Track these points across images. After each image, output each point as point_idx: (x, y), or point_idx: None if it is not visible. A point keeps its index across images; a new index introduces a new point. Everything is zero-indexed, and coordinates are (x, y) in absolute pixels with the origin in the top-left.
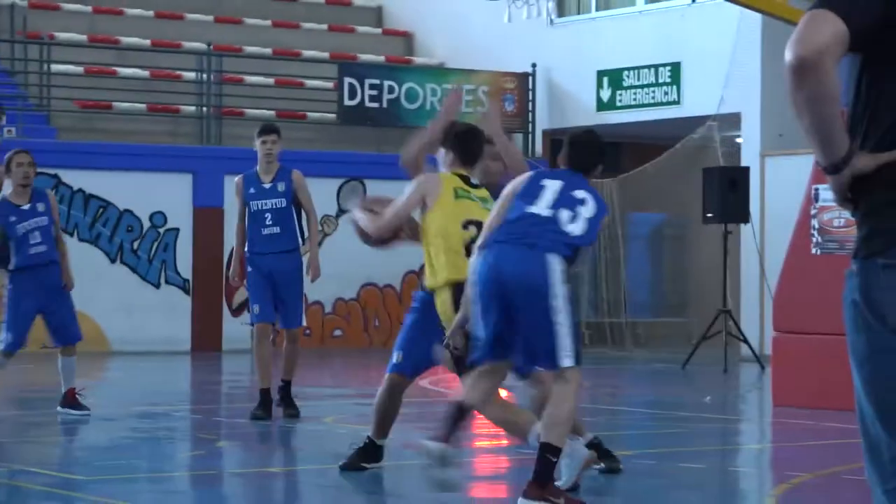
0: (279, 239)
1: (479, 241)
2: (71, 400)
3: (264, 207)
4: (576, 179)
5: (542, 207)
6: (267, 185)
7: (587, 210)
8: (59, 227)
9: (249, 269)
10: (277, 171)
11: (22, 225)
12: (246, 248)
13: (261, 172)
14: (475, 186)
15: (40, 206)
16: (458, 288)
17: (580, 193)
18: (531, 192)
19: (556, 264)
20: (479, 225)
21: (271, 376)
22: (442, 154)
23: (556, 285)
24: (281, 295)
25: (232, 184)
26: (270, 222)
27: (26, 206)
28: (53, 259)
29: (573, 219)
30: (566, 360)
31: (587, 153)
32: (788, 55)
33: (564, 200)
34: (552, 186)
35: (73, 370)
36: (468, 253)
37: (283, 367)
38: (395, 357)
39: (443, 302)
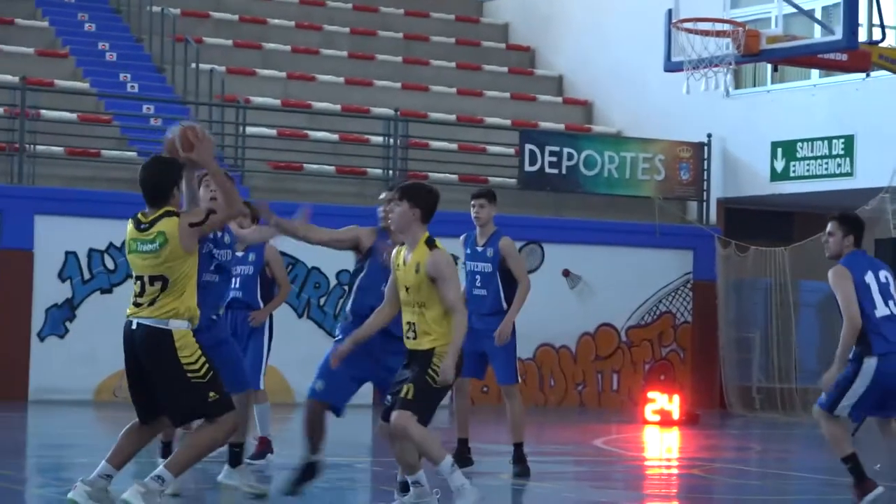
0: (484, 301)
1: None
2: None
3: (475, 269)
4: None
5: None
6: (479, 248)
7: None
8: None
9: None
10: (490, 235)
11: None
12: None
13: (477, 235)
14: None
15: (251, 256)
16: None
17: None
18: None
19: None
20: None
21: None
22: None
23: None
24: (490, 353)
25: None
26: (479, 284)
27: (240, 253)
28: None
29: None
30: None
31: None
32: None
33: None
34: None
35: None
36: None
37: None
38: (317, 384)
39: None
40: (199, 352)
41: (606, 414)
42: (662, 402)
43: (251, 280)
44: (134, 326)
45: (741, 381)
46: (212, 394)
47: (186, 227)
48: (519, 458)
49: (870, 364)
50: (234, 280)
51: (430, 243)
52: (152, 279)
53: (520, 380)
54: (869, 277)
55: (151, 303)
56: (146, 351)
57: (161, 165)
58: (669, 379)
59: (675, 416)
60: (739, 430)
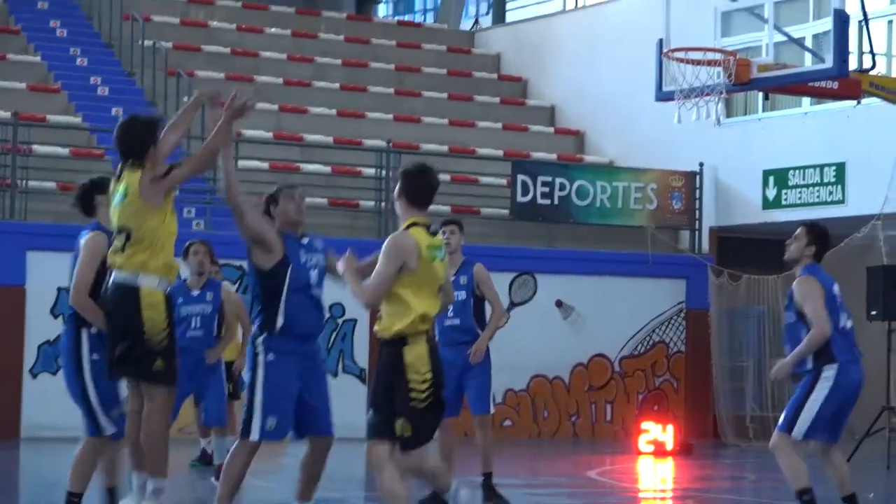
0: (458, 330)
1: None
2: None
3: None
4: None
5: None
6: (451, 278)
7: None
8: (229, 317)
9: None
10: (461, 264)
11: (185, 308)
12: None
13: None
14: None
15: (209, 295)
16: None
17: None
18: None
19: None
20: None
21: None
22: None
23: None
24: (465, 383)
25: None
26: (451, 314)
27: (196, 293)
28: (210, 346)
29: None
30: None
31: None
32: None
33: None
34: None
35: (225, 448)
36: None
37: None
38: (269, 424)
39: (419, 356)
40: (164, 315)
41: (600, 445)
42: (656, 432)
43: (209, 319)
44: (109, 285)
45: (735, 411)
46: (159, 362)
47: (147, 180)
48: (491, 488)
49: (829, 373)
50: (192, 320)
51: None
52: (120, 229)
53: (493, 410)
54: (835, 289)
55: (122, 250)
56: (112, 304)
57: (137, 124)
58: (663, 409)
59: (669, 446)
60: (733, 459)
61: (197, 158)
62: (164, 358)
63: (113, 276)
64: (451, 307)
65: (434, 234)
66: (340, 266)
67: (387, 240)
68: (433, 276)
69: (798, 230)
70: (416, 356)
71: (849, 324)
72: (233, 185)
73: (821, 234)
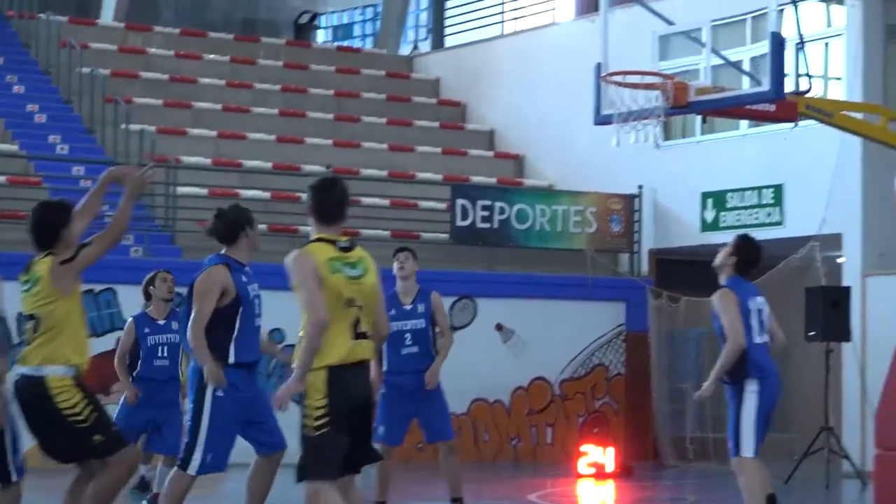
0: (417, 357)
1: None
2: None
3: (404, 328)
4: None
5: None
6: (408, 307)
7: None
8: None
9: (384, 389)
10: (418, 292)
11: (153, 338)
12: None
13: (400, 293)
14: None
15: (174, 325)
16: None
17: None
18: None
19: None
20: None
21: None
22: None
23: None
24: (426, 411)
25: None
26: (410, 342)
27: (162, 322)
28: (174, 375)
29: None
30: None
31: None
32: None
33: None
34: None
35: (162, 480)
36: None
37: (449, 484)
38: (208, 458)
39: (313, 381)
40: (80, 395)
41: (541, 468)
42: (597, 454)
43: (176, 349)
44: (17, 378)
45: (674, 432)
46: (97, 437)
47: (57, 265)
48: None
49: (752, 386)
50: (159, 349)
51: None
52: (27, 318)
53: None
54: (752, 303)
55: (29, 343)
56: (23, 401)
57: (47, 210)
58: (603, 431)
59: (610, 468)
60: (673, 480)
61: (107, 235)
62: (99, 431)
63: (20, 370)
64: (409, 335)
65: (346, 249)
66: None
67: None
68: (336, 291)
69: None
70: (311, 381)
71: (763, 339)
72: None
73: (744, 246)
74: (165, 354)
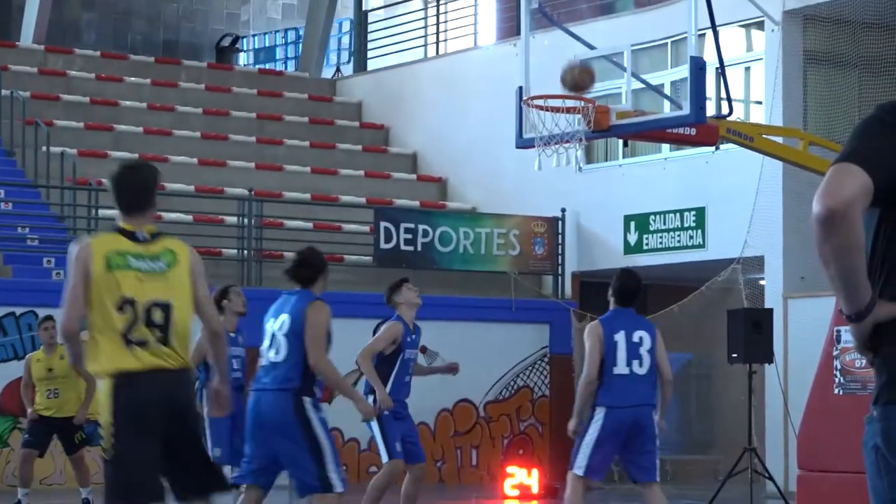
0: (409, 387)
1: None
2: None
3: (412, 357)
4: None
5: None
6: (413, 337)
7: None
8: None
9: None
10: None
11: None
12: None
13: (410, 322)
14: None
15: (241, 338)
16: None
17: None
18: None
19: None
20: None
21: None
22: None
23: None
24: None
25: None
26: (411, 371)
27: (233, 335)
28: (241, 386)
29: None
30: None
31: None
32: (817, 207)
33: None
34: None
35: None
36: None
37: None
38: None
39: (103, 394)
40: None
41: (466, 490)
42: (521, 476)
43: (243, 361)
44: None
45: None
46: None
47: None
48: None
49: (599, 416)
50: (232, 361)
51: None
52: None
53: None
54: (619, 336)
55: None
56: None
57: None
58: (528, 453)
59: (535, 489)
60: (598, 502)
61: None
62: None
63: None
64: (411, 365)
65: (145, 241)
66: None
67: None
68: (114, 286)
69: None
70: (101, 394)
71: (626, 370)
72: None
73: (620, 278)
74: (237, 367)
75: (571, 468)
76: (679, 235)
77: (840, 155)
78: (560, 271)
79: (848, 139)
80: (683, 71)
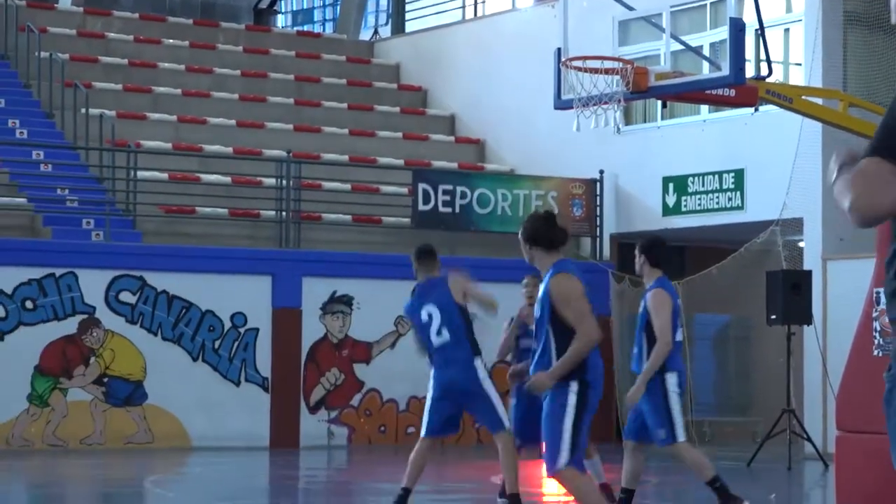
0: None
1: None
2: None
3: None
4: None
5: None
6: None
7: None
8: None
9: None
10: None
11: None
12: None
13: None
14: None
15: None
16: None
17: None
18: None
19: None
20: None
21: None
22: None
23: None
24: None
25: (310, 286)
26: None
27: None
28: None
29: None
30: None
31: None
32: (850, 216)
33: None
34: None
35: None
36: None
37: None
38: None
39: None
40: None
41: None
42: None
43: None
44: None
45: None
46: None
47: None
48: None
49: (672, 379)
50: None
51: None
52: None
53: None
54: (679, 303)
55: None
56: None
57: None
58: None
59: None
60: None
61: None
62: None
63: None
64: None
65: None
66: None
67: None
68: None
69: None
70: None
71: (679, 336)
72: None
73: (648, 245)
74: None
75: (672, 441)
76: (718, 197)
77: (876, 143)
78: (598, 233)
79: (886, 114)
80: (723, 32)
